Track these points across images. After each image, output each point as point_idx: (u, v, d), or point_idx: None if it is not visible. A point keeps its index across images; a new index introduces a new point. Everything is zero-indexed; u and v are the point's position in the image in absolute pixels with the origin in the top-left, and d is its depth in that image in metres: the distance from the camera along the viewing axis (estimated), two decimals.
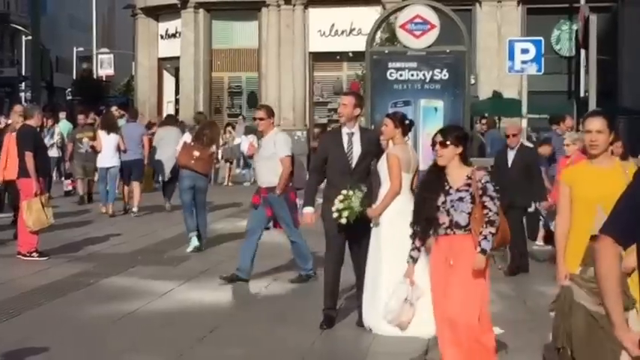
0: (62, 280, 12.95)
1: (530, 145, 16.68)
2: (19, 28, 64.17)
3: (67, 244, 15.91)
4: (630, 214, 4.27)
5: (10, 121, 18.70)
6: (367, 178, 10.14)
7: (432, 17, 15.58)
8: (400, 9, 15.97)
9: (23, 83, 61.92)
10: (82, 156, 22.49)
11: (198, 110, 30.49)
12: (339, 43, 36.32)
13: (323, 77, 37.68)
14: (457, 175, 7.56)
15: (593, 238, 6.51)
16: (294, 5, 36.51)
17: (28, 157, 14.21)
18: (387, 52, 17.06)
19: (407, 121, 10.24)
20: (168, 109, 38.24)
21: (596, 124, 6.98)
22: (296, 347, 9.40)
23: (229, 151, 30.13)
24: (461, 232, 7.49)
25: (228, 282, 12.64)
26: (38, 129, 16.08)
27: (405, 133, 10.09)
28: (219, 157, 27.43)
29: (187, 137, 16.10)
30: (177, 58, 38.04)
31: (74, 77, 63.68)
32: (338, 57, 36.86)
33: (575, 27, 33.63)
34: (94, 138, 21.76)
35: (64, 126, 27.18)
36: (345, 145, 10.15)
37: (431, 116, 15.27)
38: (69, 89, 60.66)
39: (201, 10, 37.49)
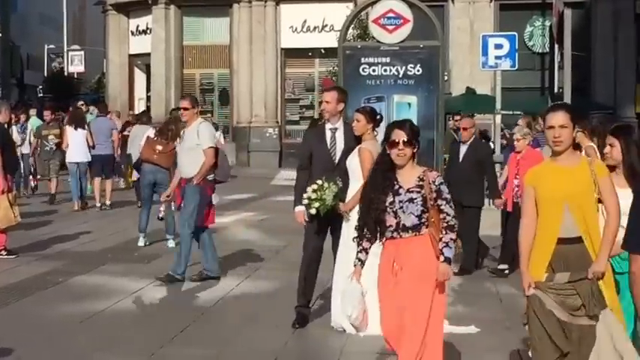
0: (31, 278, 12.75)
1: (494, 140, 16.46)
2: None
3: (36, 242, 15.70)
4: None
5: None
6: None
7: (405, 12, 15.43)
8: (373, 3, 15.82)
9: None
10: (48, 153, 22.21)
11: (173, 107, 30.17)
12: (311, 39, 36.17)
13: (295, 74, 37.50)
14: (409, 175, 7.02)
15: (562, 241, 6.36)
16: (266, 1, 36.32)
17: None
18: (359, 47, 16.91)
19: (377, 116, 10.12)
20: (140, 106, 37.96)
21: (559, 118, 6.49)
22: (268, 347, 9.26)
23: None
24: (407, 234, 6.95)
25: (198, 280, 12.46)
26: (6, 125, 15.89)
27: (374, 128, 9.96)
28: None
29: (151, 132, 15.96)
30: (149, 54, 37.80)
31: (45, 74, 63.27)
32: (310, 53, 36.72)
33: (548, 23, 33.64)
34: (60, 135, 21.62)
35: (33, 122, 26.89)
36: (329, 141, 10.01)
37: (404, 112, 15.12)
38: (40, 86, 60.24)
39: (172, 7, 37.26)
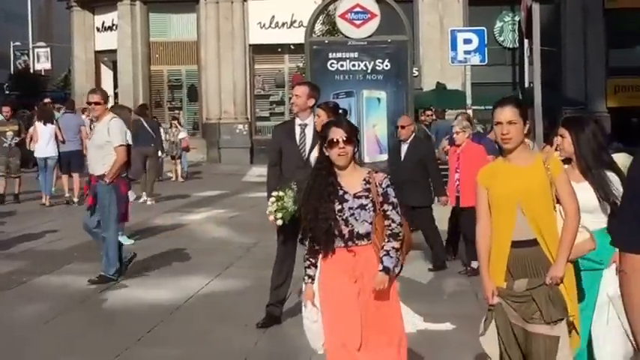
0: None
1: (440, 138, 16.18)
2: None
3: (0, 241, 15.42)
4: None
5: None
6: None
7: (373, 6, 15.35)
8: None
9: None
10: (5, 150, 21.91)
11: (141, 103, 30.01)
12: (280, 35, 35.98)
13: (264, 70, 37.31)
14: (353, 178, 6.48)
15: (517, 244, 6.00)
16: None
17: None
18: (327, 42, 16.82)
19: (340, 110, 9.95)
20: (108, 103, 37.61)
21: (507, 114, 6.07)
22: (238, 347, 9.10)
23: (174, 147, 28.87)
24: (363, 242, 6.43)
25: (97, 283, 12.09)
26: None
27: None
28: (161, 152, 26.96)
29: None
30: (115, 51, 37.47)
31: (11, 72, 62.72)
32: (279, 49, 36.54)
33: (517, 18, 33.63)
34: (19, 133, 21.61)
35: None
36: (298, 137, 9.77)
37: (374, 107, 15.05)
38: (6, 84, 59.71)
39: (137, 3, 36.93)
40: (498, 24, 35.15)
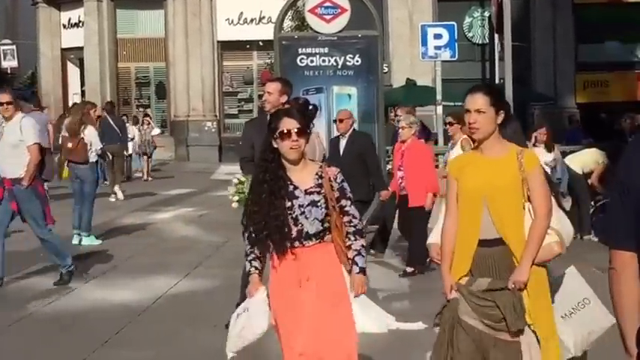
0: None
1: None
2: None
3: None
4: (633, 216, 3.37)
5: None
6: None
7: (342, 1, 15.20)
8: None
9: None
10: None
11: (108, 100, 29.79)
12: (249, 31, 35.80)
13: (232, 67, 37.13)
14: (304, 172, 5.99)
15: (483, 243, 5.63)
16: None
17: None
18: (296, 37, 16.68)
19: (310, 107, 9.76)
20: (74, 100, 37.31)
21: (477, 101, 5.70)
22: (208, 347, 8.87)
23: (145, 144, 28.52)
24: (311, 242, 5.93)
25: (63, 283, 11.89)
26: None
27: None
28: (130, 150, 26.81)
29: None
30: (82, 48, 37.15)
31: None
32: (248, 46, 36.37)
33: (487, 14, 33.58)
34: None
35: None
36: None
37: (344, 103, 14.90)
38: None
39: None
40: (467, 19, 35.08)
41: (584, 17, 34.47)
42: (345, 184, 6.02)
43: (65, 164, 15.91)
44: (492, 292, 5.57)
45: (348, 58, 15.08)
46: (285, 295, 5.98)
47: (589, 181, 15.63)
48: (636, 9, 34.35)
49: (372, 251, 13.00)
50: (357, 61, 15.11)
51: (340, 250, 5.96)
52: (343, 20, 15.14)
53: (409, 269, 12.44)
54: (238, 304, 9.66)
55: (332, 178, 5.96)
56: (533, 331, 5.59)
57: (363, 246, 6.00)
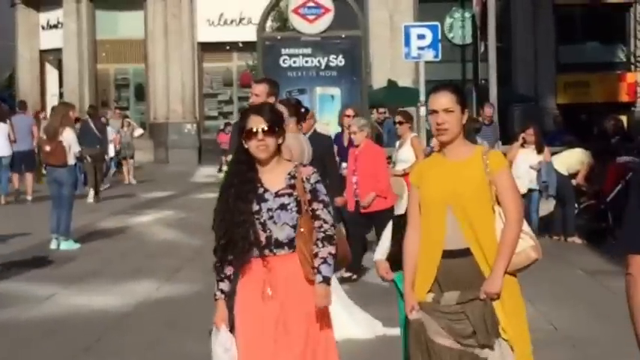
0: None
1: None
2: None
3: None
4: None
5: None
6: None
7: (326, 1, 15.05)
8: None
9: None
10: None
11: (90, 104, 29.73)
12: (229, 33, 35.68)
13: (212, 68, 37.02)
14: (276, 173, 5.47)
15: (447, 254, 5.19)
16: None
17: None
18: (279, 37, 16.51)
19: (302, 109, 9.65)
20: (53, 102, 37.06)
21: (443, 101, 5.26)
22: (192, 354, 8.69)
23: (126, 147, 28.18)
24: (282, 251, 5.35)
25: None
26: None
27: (299, 121, 9.49)
28: (112, 152, 26.73)
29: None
30: (60, 49, 36.95)
31: None
32: (228, 47, 36.23)
33: (467, 15, 33.54)
34: None
35: None
36: None
37: (328, 104, 14.79)
38: None
39: (83, 0, 36.36)
40: (448, 20, 35.06)
41: (565, 18, 34.53)
42: (320, 186, 5.48)
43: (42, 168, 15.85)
44: (463, 305, 5.19)
45: (331, 58, 14.96)
46: (248, 314, 5.41)
47: (574, 182, 15.53)
48: (617, 10, 34.47)
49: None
50: (341, 62, 14.99)
51: (304, 260, 5.35)
52: (326, 20, 15.00)
53: (347, 274, 11.93)
54: None
55: (305, 178, 5.45)
56: (510, 346, 5.21)
57: (331, 254, 5.35)
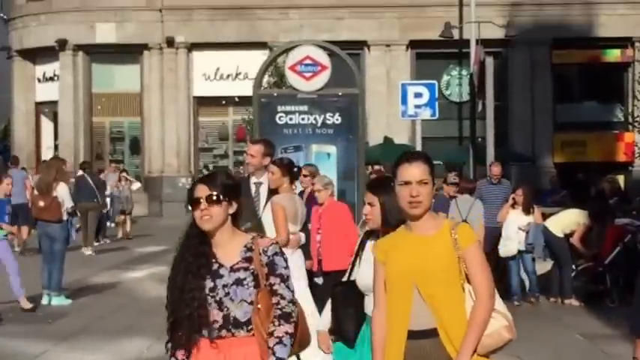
0: None
1: None
2: None
3: None
4: None
5: None
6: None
7: (323, 58, 14.98)
8: (289, 49, 15.35)
9: None
10: None
11: (83, 160, 29.65)
12: (225, 87, 35.74)
13: (208, 122, 37.00)
14: (230, 246, 5.01)
15: (413, 335, 4.91)
16: (177, 48, 35.75)
17: None
18: (275, 94, 16.43)
19: (295, 169, 9.60)
20: (48, 155, 36.96)
21: (417, 172, 4.94)
22: None
23: (125, 201, 27.69)
24: (242, 332, 4.89)
25: None
26: None
27: (292, 181, 9.45)
28: (108, 206, 26.62)
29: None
30: (56, 102, 36.93)
31: None
32: (224, 102, 36.26)
33: (465, 72, 33.60)
34: None
35: None
36: (253, 195, 9.72)
37: (324, 162, 14.63)
38: None
39: (80, 53, 36.44)
40: (445, 77, 35.15)
41: (562, 77, 34.61)
42: (278, 258, 4.99)
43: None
44: None
45: (327, 116, 14.83)
46: None
47: (571, 241, 15.39)
48: (615, 70, 34.56)
49: None
50: (337, 120, 14.86)
51: (262, 340, 4.88)
52: (323, 78, 14.91)
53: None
54: None
55: (262, 251, 4.97)
56: None
57: (287, 333, 4.88)
